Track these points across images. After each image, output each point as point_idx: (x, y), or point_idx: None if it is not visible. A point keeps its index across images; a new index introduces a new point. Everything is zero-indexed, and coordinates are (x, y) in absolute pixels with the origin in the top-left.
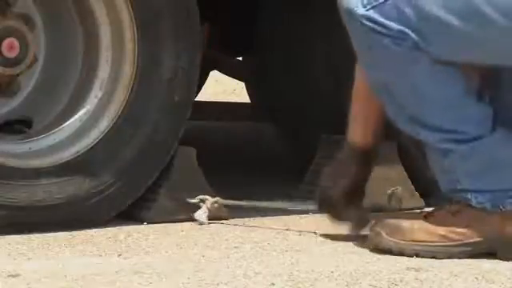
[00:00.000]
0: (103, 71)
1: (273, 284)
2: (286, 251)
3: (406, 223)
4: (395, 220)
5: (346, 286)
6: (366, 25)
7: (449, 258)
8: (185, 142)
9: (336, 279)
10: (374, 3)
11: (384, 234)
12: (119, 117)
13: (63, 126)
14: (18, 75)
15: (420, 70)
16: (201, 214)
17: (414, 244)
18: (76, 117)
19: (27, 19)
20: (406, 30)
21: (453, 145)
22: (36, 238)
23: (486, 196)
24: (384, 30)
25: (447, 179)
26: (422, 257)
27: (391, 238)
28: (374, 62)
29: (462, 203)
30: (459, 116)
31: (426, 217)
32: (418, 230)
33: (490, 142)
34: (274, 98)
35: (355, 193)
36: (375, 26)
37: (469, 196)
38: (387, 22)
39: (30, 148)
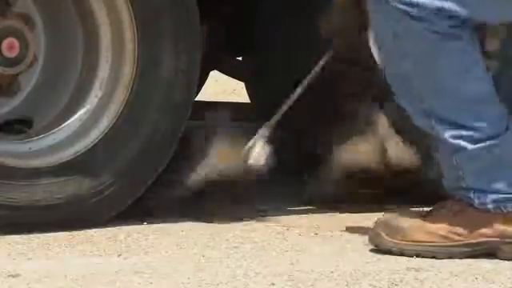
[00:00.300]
0: (103, 71)
1: (273, 284)
2: (286, 251)
3: (405, 224)
4: (395, 220)
5: (346, 285)
6: (399, 9)
7: (449, 258)
8: (185, 142)
9: (336, 279)
10: None
11: (384, 234)
12: (119, 117)
13: (63, 125)
14: (17, 75)
15: (448, 62)
16: (256, 157)
17: (414, 244)
18: (76, 117)
19: (27, 19)
20: (444, 5)
21: (466, 142)
22: (36, 238)
23: (489, 197)
24: (419, 12)
25: (453, 176)
26: (423, 257)
27: (391, 239)
28: (398, 51)
29: (464, 203)
30: (478, 113)
31: (426, 216)
32: (418, 230)
33: (502, 142)
34: (274, 98)
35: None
36: (410, 9)
37: (471, 195)
38: (423, 1)
39: (29, 148)
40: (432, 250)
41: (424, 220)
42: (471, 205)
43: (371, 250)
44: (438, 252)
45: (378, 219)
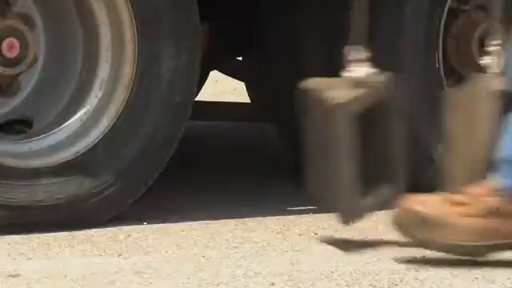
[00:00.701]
0: (103, 71)
1: (273, 284)
2: (286, 251)
3: (435, 217)
4: (424, 212)
5: (346, 285)
6: None
7: (483, 257)
8: (185, 142)
9: (336, 279)
10: None
11: (411, 227)
12: (119, 117)
13: (63, 125)
14: (17, 75)
15: None
16: (355, 71)
17: (443, 242)
18: (76, 117)
19: (27, 19)
20: None
21: None
22: (36, 238)
23: None
24: None
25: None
26: (454, 254)
27: (421, 233)
28: None
29: (497, 195)
30: None
31: (456, 205)
32: (449, 226)
33: None
34: (274, 98)
35: None
36: None
37: None
38: None
39: (30, 148)
40: (465, 248)
41: (455, 214)
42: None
43: (371, 250)
44: (474, 252)
45: (407, 206)
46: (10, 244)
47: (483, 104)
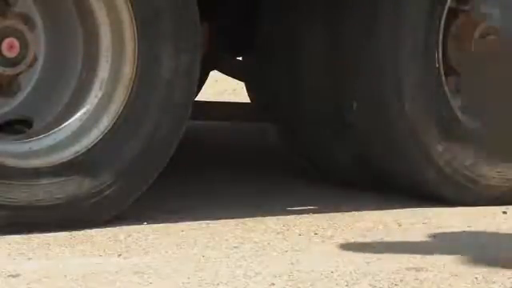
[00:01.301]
0: (103, 71)
1: (273, 284)
2: (286, 251)
3: None
4: None
5: (346, 285)
6: None
7: None
8: (185, 142)
9: (336, 279)
10: None
11: None
12: (119, 117)
13: (63, 125)
14: (17, 75)
15: None
16: None
17: None
18: (76, 117)
19: (27, 19)
20: None
21: None
22: (36, 238)
23: None
24: None
25: None
26: None
27: None
28: None
29: None
30: None
31: None
32: None
33: None
34: (274, 98)
35: None
36: None
37: None
38: None
39: (30, 148)
40: None
41: None
42: None
43: (371, 250)
44: None
45: None
46: (10, 244)
47: None
